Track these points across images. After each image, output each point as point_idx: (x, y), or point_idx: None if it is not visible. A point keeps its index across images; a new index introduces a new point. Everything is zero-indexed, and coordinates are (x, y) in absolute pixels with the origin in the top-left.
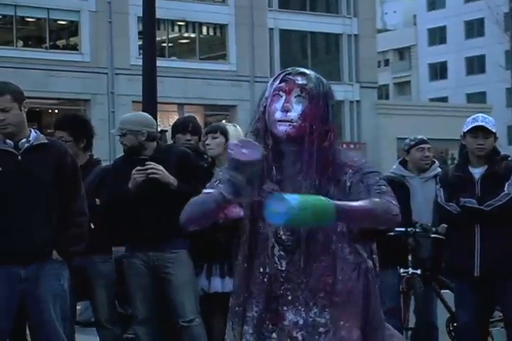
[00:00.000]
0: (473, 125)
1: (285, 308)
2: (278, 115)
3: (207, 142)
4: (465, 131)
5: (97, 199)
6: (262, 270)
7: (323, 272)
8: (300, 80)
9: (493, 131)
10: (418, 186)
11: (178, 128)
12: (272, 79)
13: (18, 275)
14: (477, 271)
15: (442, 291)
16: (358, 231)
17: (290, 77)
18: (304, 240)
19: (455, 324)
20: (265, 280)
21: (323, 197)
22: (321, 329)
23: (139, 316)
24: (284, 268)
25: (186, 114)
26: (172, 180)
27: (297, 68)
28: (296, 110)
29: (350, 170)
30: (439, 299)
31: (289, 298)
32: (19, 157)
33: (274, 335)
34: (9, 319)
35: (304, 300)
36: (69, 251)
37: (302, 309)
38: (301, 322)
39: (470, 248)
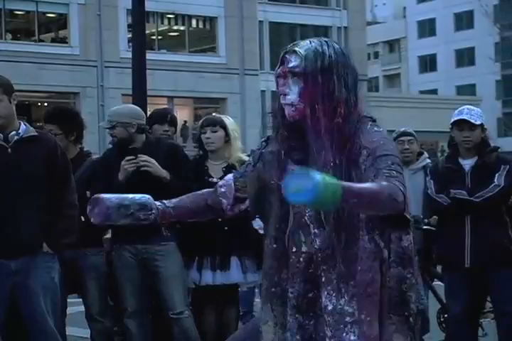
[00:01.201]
0: (457, 118)
1: (319, 289)
2: (281, 99)
3: (207, 135)
4: (451, 123)
5: (88, 192)
6: (295, 249)
7: (353, 258)
8: (292, 61)
9: (477, 123)
10: (406, 178)
11: (156, 118)
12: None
13: (8, 268)
14: (468, 262)
15: (433, 283)
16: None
17: (287, 56)
18: (332, 224)
19: (446, 315)
20: (301, 259)
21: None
22: (348, 319)
23: (129, 309)
24: (318, 247)
25: (176, 107)
26: (165, 173)
27: (295, 44)
28: (294, 92)
29: (365, 152)
30: (430, 290)
31: (323, 279)
32: (9, 149)
33: (311, 314)
34: (0, 312)
35: (337, 285)
36: (59, 244)
37: (333, 294)
38: (329, 307)
39: (461, 239)
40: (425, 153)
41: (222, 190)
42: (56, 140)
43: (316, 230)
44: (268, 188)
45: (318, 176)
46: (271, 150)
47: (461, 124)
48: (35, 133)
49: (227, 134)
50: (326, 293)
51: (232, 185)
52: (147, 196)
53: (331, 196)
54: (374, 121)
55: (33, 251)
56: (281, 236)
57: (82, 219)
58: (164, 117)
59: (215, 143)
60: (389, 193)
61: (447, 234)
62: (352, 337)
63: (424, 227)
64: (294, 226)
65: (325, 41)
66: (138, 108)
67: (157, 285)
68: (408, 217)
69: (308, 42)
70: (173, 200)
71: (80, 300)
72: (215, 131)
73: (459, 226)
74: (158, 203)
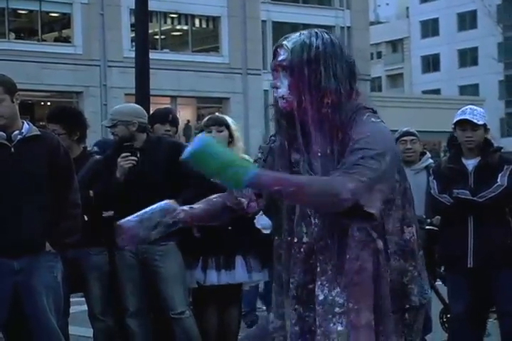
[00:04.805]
0: (459, 118)
1: (315, 278)
2: (274, 92)
3: (212, 135)
4: (453, 123)
5: (91, 191)
6: (296, 240)
7: (342, 248)
8: (281, 55)
9: (480, 123)
10: (409, 178)
11: (158, 118)
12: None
13: (11, 267)
14: (470, 262)
15: (436, 283)
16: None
17: (278, 50)
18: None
19: (448, 315)
20: (302, 250)
21: (248, 160)
22: (337, 310)
23: (130, 308)
24: (316, 237)
25: (179, 107)
26: None
27: (286, 37)
28: (284, 85)
29: (351, 144)
30: (433, 290)
31: (318, 269)
32: (12, 149)
33: (311, 306)
34: (3, 311)
35: (332, 275)
36: (62, 243)
37: (326, 285)
38: (320, 297)
39: (463, 239)
40: (428, 153)
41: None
42: (59, 139)
43: (316, 220)
44: None
45: (209, 140)
46: (279, 143)
47: (463, 124)
48: (38, 133)
49: (230, 135)
50: (319, 283)
51: None
52: (165, 201)
53: (216, 162)
54: (374, 112)
55: (35, 251)
56: (290, 228)
57: (85, 218)
58: (165, 117)
59: (220, 142)
60: (322, 188)
61: (450, 234)
62: (339, 328)
63: (427, 227)
64: (299, 217)
65: (315, 32)
66: (139, 107)
67: (157, 285)
68: (371, 211)
69: (298, 34)
70: (193, 205)
71: (83, 299)
72: (221, 131)
73: (461, 226)
74: (182, 207)
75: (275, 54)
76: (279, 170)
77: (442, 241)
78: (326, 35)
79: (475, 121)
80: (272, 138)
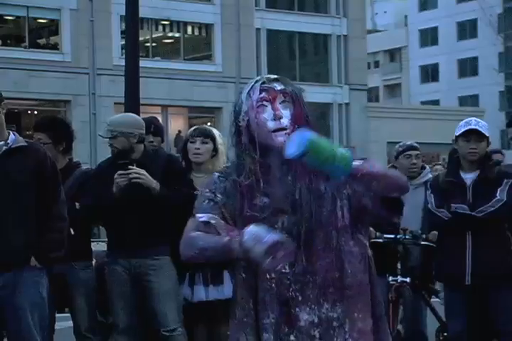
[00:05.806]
0: (466, 128)
1: (297, 309)
2: (271, 125)
3: (196, 146)
4: (457, 134)
5: (77, 204)
6: (268, 276)
7: (329, 268)
8: (278, 86)
9: (487, 134)
10: (407, 193)
11: None
12: (246, 91)
13: None
14: (468, 279)
15: (432, 300)
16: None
17: (267, 85)
18: (303, 240)
19: (445, 333)
20: (273, 285)
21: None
22: (335, 324)
23: (120, 325)
24: (288, 271)
25: (170, 116)
26: (154, 184)
27: (268, 75)
28: (286, 116)
29: None
30: (429, 308)
31: (300, 298)
32: None
33: (292, 338)
34: None
35: (315, 298)
36: (48, 257)
37: (315, 307)
38: (316, 320)
39: (461, 255)
40: (427, 167)
41: (213, 221)
42: (46, 150)
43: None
44: (235, 219)
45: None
46: (233, 180)
47: (468, 135)
48: (25, 143)
49: (215, 148)
50: (307, 309)
51: (216, 216)
52: None
53: (328, 152)
54: None
55: (20, 265)
56: (250, 266)
57: (72, 232)
58: (148, 128)
59: (203, 155)
60: (396, 174)
61: (447, 249)
62: (339, 340)
63: (423, 243)
64: None
65: None
66: (138, 117)
67: (149, 301)
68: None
69: (275, 75)
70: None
71: (69, 315)
72: (206, 143)
73: (459, 241)
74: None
75: (263, 89)
76: (236, 209)
77: (439, 257)
78: None
79: (483, 131)
80: (221, 178)
